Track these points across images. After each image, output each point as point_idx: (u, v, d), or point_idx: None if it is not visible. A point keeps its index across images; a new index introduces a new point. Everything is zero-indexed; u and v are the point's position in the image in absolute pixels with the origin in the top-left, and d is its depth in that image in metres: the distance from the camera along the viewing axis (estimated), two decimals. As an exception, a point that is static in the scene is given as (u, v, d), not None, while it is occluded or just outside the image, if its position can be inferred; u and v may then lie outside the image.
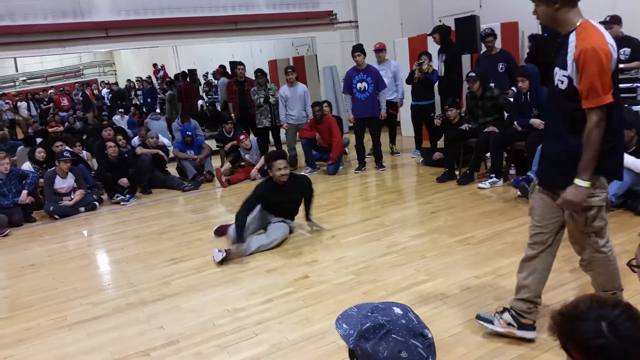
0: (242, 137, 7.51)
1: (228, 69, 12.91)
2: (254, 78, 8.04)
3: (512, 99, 5.96)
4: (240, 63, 8.75)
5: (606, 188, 2.37)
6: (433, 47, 8.27)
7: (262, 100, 7.68)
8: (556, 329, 1.19)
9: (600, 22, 2.36)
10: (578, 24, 2.23)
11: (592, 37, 2.19)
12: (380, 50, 7.66)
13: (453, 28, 7.77)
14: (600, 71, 2.14)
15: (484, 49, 6.96)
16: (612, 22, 5.53)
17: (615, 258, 2.51)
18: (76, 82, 16.19)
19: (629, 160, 4.26)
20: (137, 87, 15.14)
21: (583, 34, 2.21)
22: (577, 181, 2.26)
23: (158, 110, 12.41)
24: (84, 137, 9.22)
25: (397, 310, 1.20)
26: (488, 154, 6.02)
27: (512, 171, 6.00)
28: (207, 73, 15.00)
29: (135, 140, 8.09)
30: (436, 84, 7.49)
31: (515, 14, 7.42)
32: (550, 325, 1.22)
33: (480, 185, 5.74)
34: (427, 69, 7.24)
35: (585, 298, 1.20)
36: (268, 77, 9.60)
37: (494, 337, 2.69)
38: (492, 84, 6.48)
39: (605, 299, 1.19)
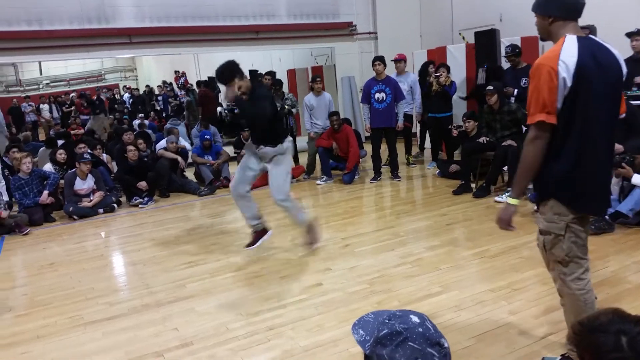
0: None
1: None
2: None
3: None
4: (269, 73, 8.67)
5: (568, 216, 2.21)
6: (452, 60, 8.30)
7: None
8: (575, 339, 1.20)
9: (627, 34, 2.32)
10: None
11: (548, 52, 2.15)
12: (399, 60, 7.68)
13: (473, 41, 7.78)
14: (537, 87, 2.10)
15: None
16: (639, 34, 5.21)
17: (590, 302, 2.31)
18: (97, 87, 16.47)
19: (638, 179, 4.27)
20: (157, 92, 15.35)
21: (549, 49, 2.17)
22: (507, 198, 2.29)
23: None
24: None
25: (414, 319, 1.21)
26: (505, 168, 5.99)
27: (530, 186, 5.95)
28: None
29: (162, 143, 8.15)
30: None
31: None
32: (569, 335, 1.22)
33: (497, 199, 5.71)
34: (445, 81, 7.24)
35: (607, 311, 1.21)
36: (286, 86, 9.68)
37: (508, 351, 2.68)
38: (512, 98, 6.47)
39: (628, 315, 1.19)
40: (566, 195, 2.21)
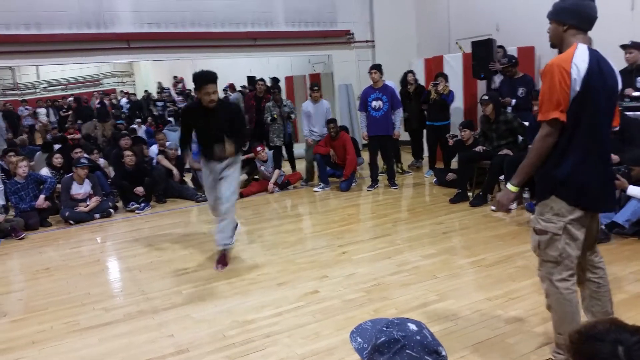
0: (259, 148, 7.58)
1: (246, 83, 13.05)
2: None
3: (526, 123, 5.97)
4: (262, 79, 8.84)
5: (566, 217, 2.29)
6: (449, 69, 8.35)
7: (269, 119, 7.78)
8: (571, 347, 1.20)
9: (621, 46, 2.43)
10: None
11: (561, 55, 2.26)
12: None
13: (470, 50, 7.84)
14: (550, 86, 2.20)
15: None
16: (633, 46, 5.36)
17: (574, 302, 2.38)
18: (94, 91, 16.42)
19: (634, 190, 4.32)
20: (156, 97, 15.32)
21: (563, 53, 2.29)
22: (508, 184, 2.40)
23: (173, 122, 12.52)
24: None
25: (412, 327, 1.22)
26: (502, 177, 6.02)
27: (526, 195, 5.98)
28: (226, 88, 15.14)
29: (154, 149, 8.16)
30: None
31: (532, 39, 7.45)
32: (567, 344, 1.23)
33: (494, 207, 5.73)
34: (443, 89, 7.28)
35: (604, 320, 1.21)
36: (283, 93, 9.75)
37: (503, 360, 2.69)
38: (510, 108, 6.53)
39: (625, 325, 1.19)
40: (571, 192, 2.28)
